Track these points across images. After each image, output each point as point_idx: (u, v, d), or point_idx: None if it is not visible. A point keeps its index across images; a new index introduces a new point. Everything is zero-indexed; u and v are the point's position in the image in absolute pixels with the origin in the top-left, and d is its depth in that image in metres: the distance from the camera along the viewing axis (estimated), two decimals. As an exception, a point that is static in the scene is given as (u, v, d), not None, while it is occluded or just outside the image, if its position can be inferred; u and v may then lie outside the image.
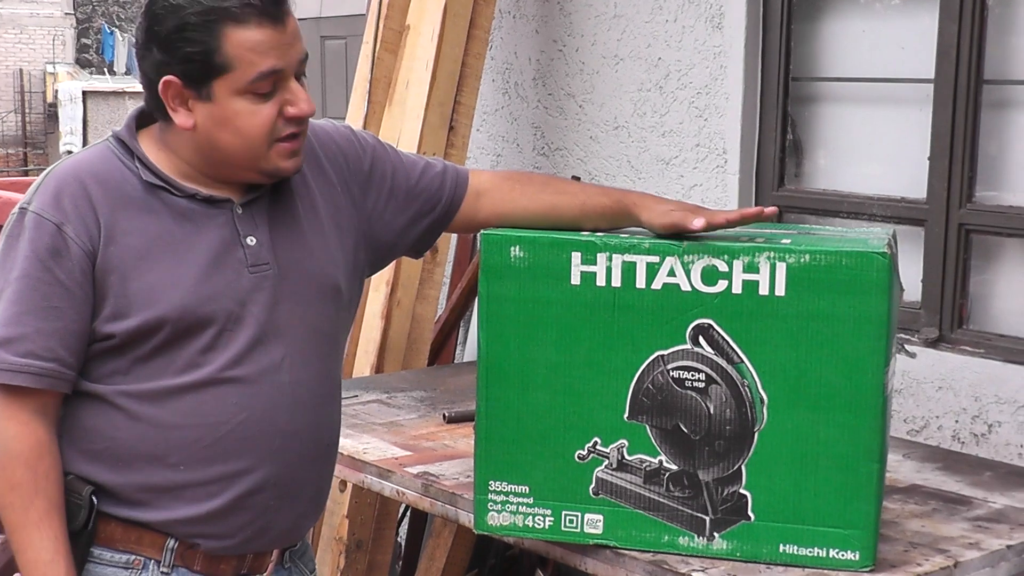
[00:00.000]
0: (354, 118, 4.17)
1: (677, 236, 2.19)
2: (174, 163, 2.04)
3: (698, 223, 2.16)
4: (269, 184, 2.09)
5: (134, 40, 2.05)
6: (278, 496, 2.10)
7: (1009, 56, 3.38)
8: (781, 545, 2.22)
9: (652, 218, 2.22)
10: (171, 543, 2.06)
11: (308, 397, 2.11)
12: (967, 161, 3.38)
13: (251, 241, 2.05)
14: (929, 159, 3.45)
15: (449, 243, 4.25)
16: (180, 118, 1.99)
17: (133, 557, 2.06)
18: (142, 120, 2.09)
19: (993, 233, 3.39)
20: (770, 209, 2.20)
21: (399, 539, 4.35)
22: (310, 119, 2.22)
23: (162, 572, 2.07)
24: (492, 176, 2.35)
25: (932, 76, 3.42)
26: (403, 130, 4.01)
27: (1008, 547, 2.39)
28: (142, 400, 2.01)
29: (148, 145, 2.05)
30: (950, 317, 3.43)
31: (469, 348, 4.38)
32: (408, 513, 4.29)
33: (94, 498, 2.03)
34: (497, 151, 4.54)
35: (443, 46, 3.98)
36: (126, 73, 22.36)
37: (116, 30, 24.56)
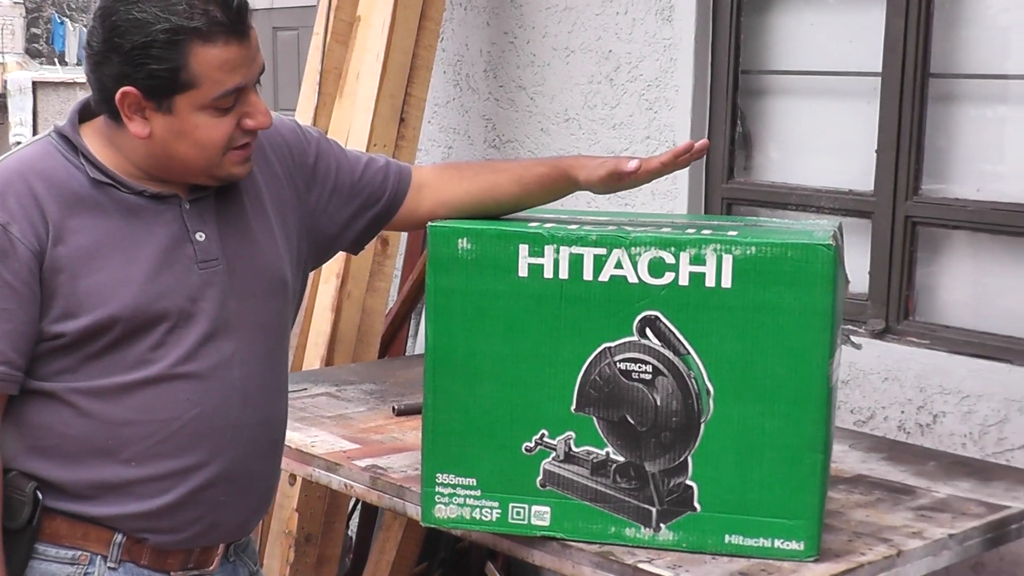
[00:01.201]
0: (304, 110, 4.15)
1: (621, 224, 2.19)
2: (121, 161, 2.02)
3: (632, 164, 2.17)
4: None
5: (87, 42, 2.00)
6: (229, 491, 2.09)
7: (955, 50, 3.41)
8: (727, 536, 2.24)
9: (589, 175, 2.23)
10: (118, 538, 2.05)
11: (258, 392, 2.11)
12: (914, 154, 3.41)
13: (200, 237, 2.04)
14: (876, 152, 3.47)
15: (400, 236, 4.24)
16: (135, 127, 1.97)
17: (79, 553, 2.05)
18: (85, 114, 2.06)
19: (939, 225, 3.43)
20: (700, 142, 2.20)
21: (349, 532, 4.34)
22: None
23: (109, 567, 2.06)
24: (432, 169, 2.37)
25: (879, 69, 3.45)
26: (354, 122, 4.00)
27: (950, 536, 2.42)
28: (92, 397, 2.00)
29: (93, 141, 2.03)
30: (896, 309, 3.46)
31: (420, 341, 4.37)
32: (358, 506, 4.28)
33: (39, 494, 2.01)
34: (448, 143, 4.54)
35: (394, 37, 3.97)
36: (77, 64, 22.14)
37: (67, 20, 24.33)
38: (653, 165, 2.20)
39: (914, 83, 3.38)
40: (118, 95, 1.94)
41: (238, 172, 2.04)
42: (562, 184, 2.28)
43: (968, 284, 3.45)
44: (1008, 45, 3.39)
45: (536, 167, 2.31)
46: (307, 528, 3.77)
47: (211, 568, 2.14)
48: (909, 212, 3.43)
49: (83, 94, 2.05)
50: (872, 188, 3.50)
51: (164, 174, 2.02)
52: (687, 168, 3.76)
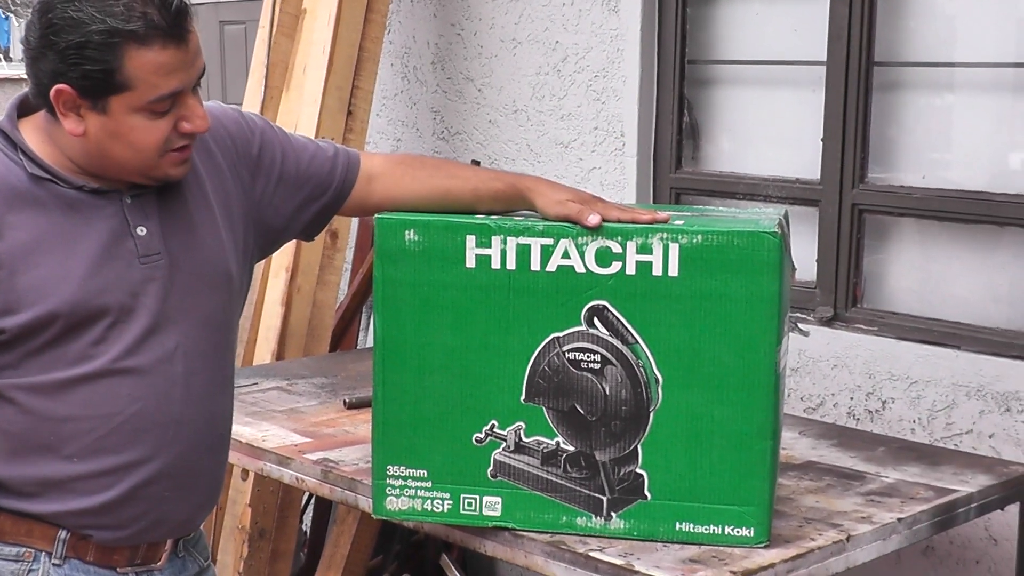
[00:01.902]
0: (251, 103, 4.12)
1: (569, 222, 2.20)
2: (60, 156, 1.99)
3: (593, 220, 2.16)
4: None
5: (24, 37, 1.97)
6: (173, 487, 2.07)
7: (899, 38, 3.43)
8: (677, 523, 2.24)
9: (546, 206, 2.23)
10: (63, 534, 2.03)
11: (202, 386, 2.09)
12: (859, 142, 3.43)
13: (141, 231, 2.02)
14: (823, 140, 3.49)
15: (350, 228, 4.23)
16: (70, 124, 1.94)
17: (23, 550, 2.03)
18: (24, 108, 2.04)
19: (885, 213, 3.45)
20: (663, 215, 2.21)
21: (304, 527, 4.33)
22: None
23: (54, 564, 2.04)
24: (384, 160, 2.33)
25: (824, 58, 3.47)
26: (301, 115, 3.98)
27: (899, 520, 2.44)
28: (34, 393, 1.98)
29: (32, 136, 2.00)
30: (844, 296, 3.48)
31: (372, 334, 4.36)
32: (312, 501, 4.27)
33: None
34: (397, 136, 4.53)
35: (340, 30, 3.95)
36: (22, 60, 21.88)
37: (11, 15, 24.08)
38: (611, 216, 2.19)
39: (859, 72, 3.40)
40: (52, 92, 1.92)
41: (175, 173, 2.02)
42: (517, 203, 2.27)
43: (915, 271, 3.48)
44: (954, 33, 3.42)
45: (493, 182, 2.30)
46: (260, 523, 3.76)
47: (159, 564, 2.12)
48: (856, 200, 3.45)
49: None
50: (819, 176, 3.52)
51: (101, 172, 2.00)
52: (635, 158, 3.82)
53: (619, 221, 2.19)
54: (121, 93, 1.91)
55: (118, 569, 2.08)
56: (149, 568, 2.11)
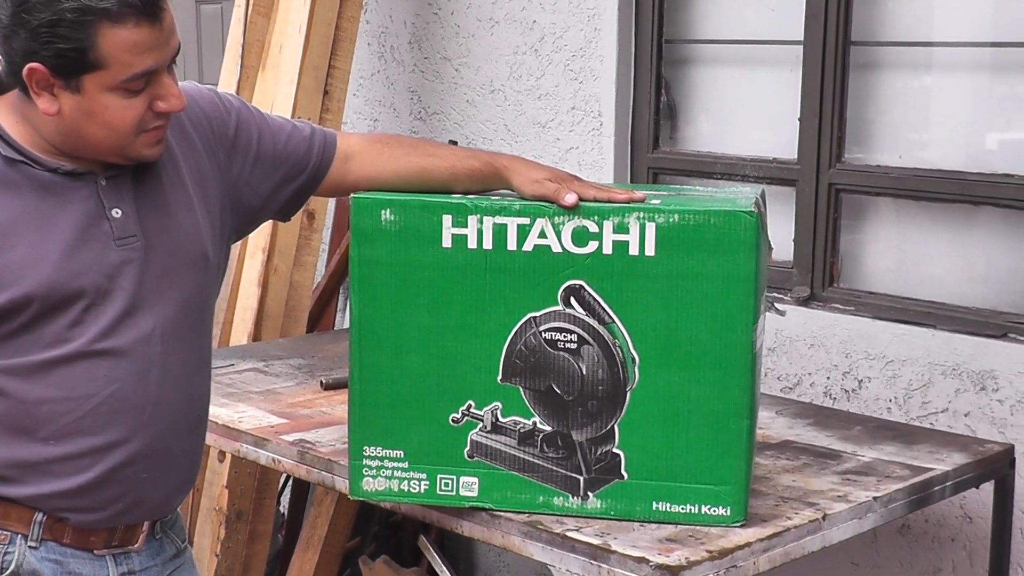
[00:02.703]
0: (227, 83, 4.10)
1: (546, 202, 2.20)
2: (35, 137, 1.98)
3: (570, 199, 2.16)
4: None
5: None
6: (150, 468, 2.07)
7: (876, 18, 3.43)
8: (654, 502, 2.25)
9: (522, 185, 2.22)
10: (39, 517, 2.03)
11: (179, 368, 2.08)
12: (836, 122, 3.43)
13: (117, 213, 2.01)
14: (800, 120, 3.49)
15: (327, 209, 4.21)
16: (44, 103, 1.93)
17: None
18: None
19: (862, 192, 3.45)
20: (639, 194, 2.20)
21: (281, 508, 4.32)
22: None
23: (30, 546, 2.03)
24: (361, 139, 2.32)
25: (801, 38, 3.47)
26: (277, 95, 3.96)
27: (875, 499, 2.44)
28: (9, 375, 1.97)
29: (6, 117, 1.98)
30: (821, 275, 3.49)
31: (349, 315, 4.34)
32: (290, 482, 4.26)
33: None
34: (374, 116, 4.51)
35: (316, 9, 3.93)
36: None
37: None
38: (587, 196, 2.19)
39: (836, 51, 3.40)
40: (25, 71, 1.90)
41: (149, 154, 2.01)
42: (493, 182, 2.27)
43: (892, 250, 3.48)
44: (931, 12, 3.42)
45: (470, 160, 2.29)
46: (238, 505, 3.75)
47: (136, 546, 2.12)
48: (833, 179, 3.45)
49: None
50: (796, 156, 3.52)
51: (75, 151, 1.98)
52: (613, 138, 3.81)
53: (595, 200, 2.18)
54: (95, 72, 1.90)
55: (95, 551, 2.08)
56: (126, 550, 2.11)
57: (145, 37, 1.90)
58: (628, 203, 2.17)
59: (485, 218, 2.19)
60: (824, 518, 2.34)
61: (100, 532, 2.07)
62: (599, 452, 2.24)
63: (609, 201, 2.18)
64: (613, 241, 2.16)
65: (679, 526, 2.24)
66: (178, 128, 2.12)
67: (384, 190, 2.26)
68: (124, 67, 1.90)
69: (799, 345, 3.45)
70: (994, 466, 2.76)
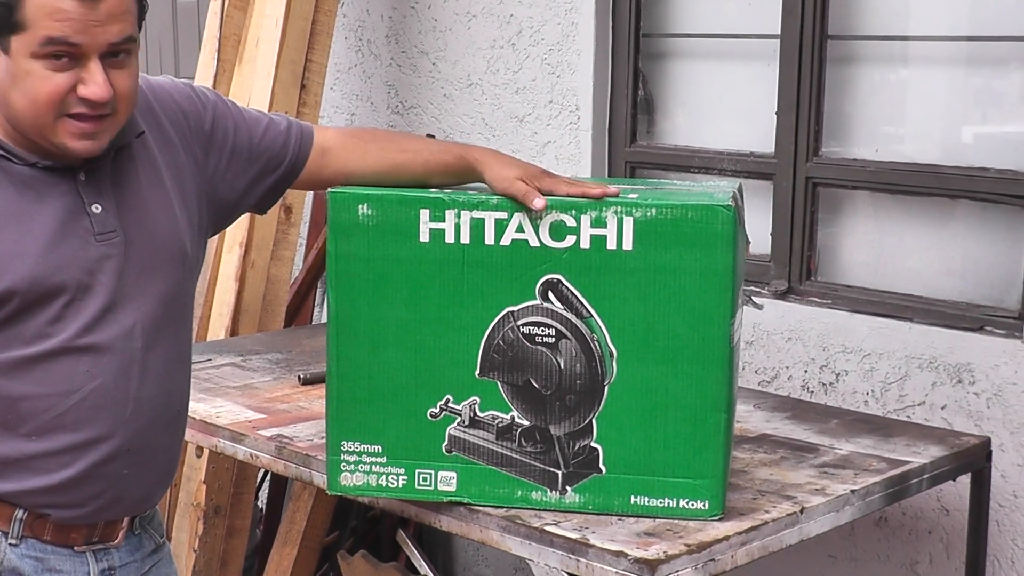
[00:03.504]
0: (203, 77, 4.08)
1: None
2: (8, 129, 1.97)
3: (538, 204, 2.16)
4: (111, 152, 2.03)
5: None
6: (131, 464, 2.06)
7: (853, 12, 3.44)
8: (632, 496, 2.25)
9: (493, 180, 2.23)
10: (20, 514, 2.02)
11: (160, 363, 2.08)
12: (813, 116, 3.44)
13: (97, 209, 2.00)
14: (777, 114, 3.50)
15: (304, 203, 4.20)
16: None
17: (-21, 530, 2.02)
18: None
19: (839, 186, 3.46)
20: (612, 188, 2.21)
21: (259, 503, 4.32)
22: (151, 77, 2.18)
23: (10, 544, 2.02)
24: (337, 133, 2.32)
25: (778, 32, 3.47)
26: (254, 88, 3.95)
27: (852, 492, 2.45)
28: (-10, 372, 1.96)
29: None
30: (799, 269, 3.50)
31: (327, 309, 4.34)
32: (268, 477, 4.25)
33: None
34: (351, 110, 4.50)
35: (293, 2, 3.91)
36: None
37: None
38: (559, 192, 2.19)
39: (812, 45, 3.40)
40: None
41: (74, 147, 1.95)
42: (467, 176, 2.28)
43: (868, 244, 3.49)
44: (908, 7, 3.43)
45: (443, 155, 2.29)
46: (215, 500, 3.74)
47: (116, 542, 2.11)
48: (810, 173, 3.46)
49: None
50: (773, 150, 3.52)
51: (14, 125, 1.95)
52: (590, 131, 3.81)
53: (568, 196, 2.19)
54: (19, 33, 1.88)
55: (75, 548, 2.07)
56: (106, 546, 2.10)
57: (71, 7, 1.86)
58: (601, 198, 2.17)
59: (463, 212, 2.19)
60: (802, 511, 2.35)
61: (81, 528, 2.07)
62: (577, 446, 2.24)
63: (582, 196, 2.18)
64: (591, 235, 2.16)
65: (657, 520, 2.24)
66: (155, 123, 2.11)
67: (360, 184, 2.26)
68: (40, 30, 1.87)
69: (776, 339, 3.46)
70: (971, 459, 2.77)
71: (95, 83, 1.92)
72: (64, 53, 1.89)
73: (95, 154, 1.98)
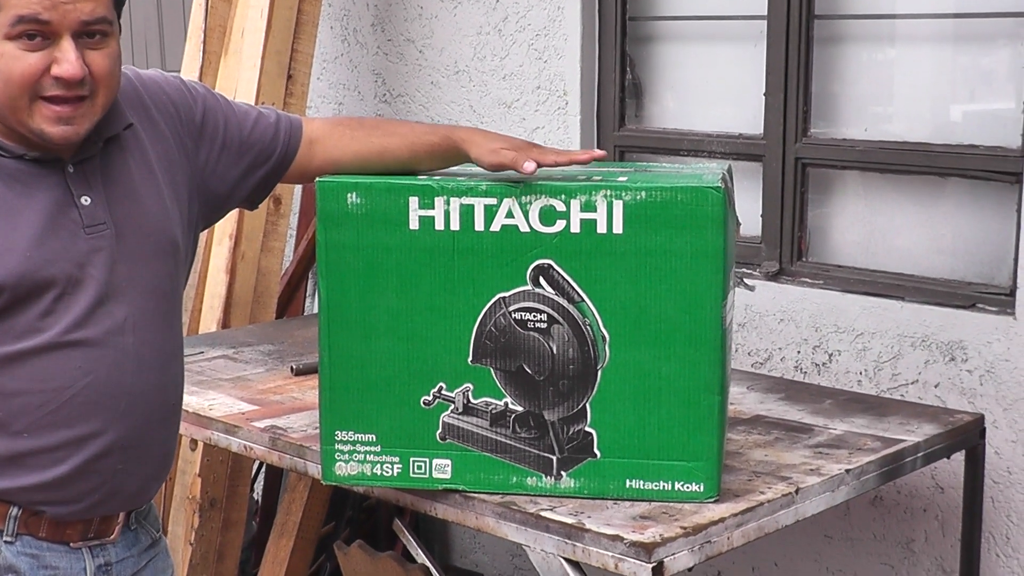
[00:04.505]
0: (189, 69, 4.07)
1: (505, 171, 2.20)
2: None
3: (529, 167, 2.16)
4: (100, 143, 2.02)
5: None
6: (126, 459, 2.06)
7: (839, -9, 3.44)
8: (627, 480, 2.25)
9: (480, 155, 2.22)
10: (15, 511, 2.01)
11: (152, 357, 2.07)
12: (801, 96, 3.44)
13: (86, 201, 1.99)
14: (765, 95, 3.50)
15: (293, 194, 4.20)
16: None
17: (-26, 528, 2.01)
18: None
19: (828, 166, 3.47)
20: (599, 152, 2.21)
21: (255, 495, 4.32)
22: (141, 71, 2.17)
23: (5, 541, 2.02)
24: (323, 123, 2.32)
25: (765, 13, 3.47)
26: (240, 80, 3.94)
27: (847, 471, 2.46)
28: (-19, 368, 1.96)
29: None
30: (790, 250, 3.50)
31: (318, 299, 4.33)
32: (263, 469, 4.25)
33: None
34: (338, 99, 4.49)
35: (277, -7, 3.91)
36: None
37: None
38: (547, 161, 2.19)
39: (800, 26, 3.40)
40: None
41: (51, 132, 1.94)
42: (452, 156, 2.28)
43: (859, 223, 3.50)
44: (892, -15, 3.43)
45: (428, 136, 2.29)
46: (211, 493, 3.74)
47: (112, 537, 2.11)
48: (799, 154, 3.46)
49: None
50: (762, 131, 3.53)
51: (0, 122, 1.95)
52: (579, 116, 3.81)
53: (556, 164, 2.19)
54: None
55: (71, 544, 2.06)
56: (102, 542, 2.10)
57: None
58: (589, 161, 2.17)
59: (452, 199, 2.19)
60: (797, 492, 2.35)
61: (76, 524, 2.06)
62: (571, 431, 2.24)
63: (570, 163, 2.18)
64: (580, 219, 2.16)
65: (653, 503, 2.24)
66: (145, 115, 2.11)
67: (348, 173, 2.25)
68: (11, 9, 1.86)
69: (769, 320, 3.46)
70: (964, 436, 2.78)
71: (67, 61, 1.90)
72: (36, 32, 1.88)
73: (73, 140, 1.96)
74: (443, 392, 2.26)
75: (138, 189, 2.06)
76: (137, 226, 2.05)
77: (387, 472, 2.31)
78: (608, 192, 2.15)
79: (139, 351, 2.04)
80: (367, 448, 2.30)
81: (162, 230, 2.09)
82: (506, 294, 2.21)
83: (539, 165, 2.17)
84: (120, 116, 2.05)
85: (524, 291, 2.20)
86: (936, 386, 3.18)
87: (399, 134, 2.30)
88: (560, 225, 2.17)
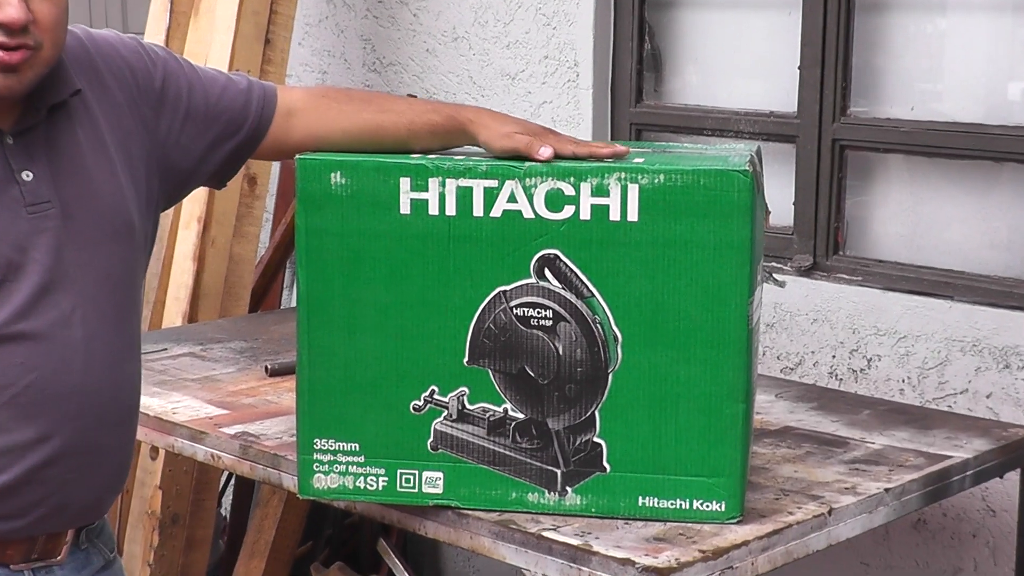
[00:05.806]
0: (155, 32, 4.08)
1: (518, 158, 2.20)
2: None
3: (545, 153, 2.16)
4: (43, 110, 2.02)
5: None
6: (77, 467, 2.06)
7: (884, -47, 3.44)
8: (640, 498, 2.26)
9: (490, 139, 2.23)
10: (-51, 528, 2.02)
11: (104, 353, 2.07)
12: (840, 71, 3.44)
13: (27, 176, 2.00)
14: (800, 69, 3.50)
15: (270, 173, 4.20)
16: None
17: (-99, 550, 2.02)
18: None
19: (870, 149, 3.47)
20: (622, 148, 2.21)
21: (223, 511, 4.32)
22: (93, 31, 2.17)
23: (-63, 564, 2.02)
24: (305, 93, 2.32)
25: (801, -24, 3.48)
26: (212, 44, 3.95)
27: (886, 490, 2.46)
28: (-86, 367, 1.96)
29: None
30: (825, 242, 3.51)
31: (296, 291, 4.35)
32: (232, 481, 4.26)
33: None
34: (322, 67, 4.50)
35: (255, -53, 3.92)
36: None
37: None
38: (566, 151, 2.19)
39: (840, -9, 3.41)
40: None
41: None
42: (457, 138, 2.28)
43: (903, 213, 3.50)
44: (943, -54, 3.44)
45: (430, 115, 2.29)
46: (173, 507, 3.75)
47: (59, 558, 2.10)
48: (837, 135, 3.47)
49: None
50: (795, 109, 3.53)
51: None
52: (591, 90, 3.81)
53: (574, 156, 2.19)
54: None
55: (11, 566, 2.06)
56: (48, 564, 2.09)
57: None
58: (611, 157, 2.17)
59: (448, 181, 2.19)
60: (830, 513, 2.36)
61: (18, 544, 2.05)
62: (578, 442, 2.25)
63: (590, 156, 2.19)
64: (591, 205, 2.16)
65: (668, 523, 2.25)
66: (96, 80, 2.11)
67: (333, 150, 2.26)
68: None
69: (801, 320, 3.47)
70: (1019, 453, 2.78)
71: (9, 4, 1.90)
72: None
73: (16, 92, 1.96)
74: (435, 396, 2.27)
75: (88, 163, 2.06)
76: (87, 205, 2.05)
77: (371, 486, 2.32)
78: (622, 175, 2.15)
79: (89, 346, 2.04)
80: (349, 458, 2.31)
81: (116, 210, 2.09)
82: (507, 288, 2.21)
83: (555, 154, 2.17)
84: (67, 80, 2.05)
85: (527, 284, 2.21)
86: (988, 396, 3.19)
87: (395, 111, 2.30)
88: (568, 211, 2.17)
